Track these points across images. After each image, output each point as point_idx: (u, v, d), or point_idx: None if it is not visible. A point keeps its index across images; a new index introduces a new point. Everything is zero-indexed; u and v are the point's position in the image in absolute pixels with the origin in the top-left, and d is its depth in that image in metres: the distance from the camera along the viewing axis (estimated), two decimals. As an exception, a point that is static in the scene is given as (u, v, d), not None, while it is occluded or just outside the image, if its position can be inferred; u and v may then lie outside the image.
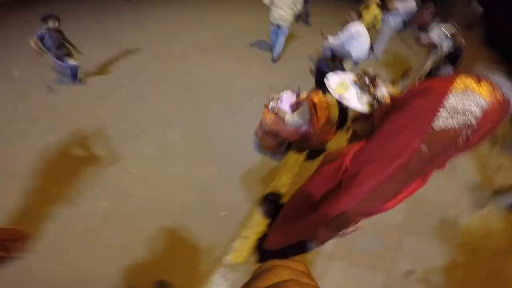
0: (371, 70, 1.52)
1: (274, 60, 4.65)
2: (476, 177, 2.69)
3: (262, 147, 2.68)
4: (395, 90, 1.34)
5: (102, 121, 3.01)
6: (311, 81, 2.14)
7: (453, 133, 0.60)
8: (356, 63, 3.99)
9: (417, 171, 0.68)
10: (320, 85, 1.95)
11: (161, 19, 6.35)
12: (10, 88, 3.50)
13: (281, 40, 4.51)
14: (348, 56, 3.78)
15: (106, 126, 2.92)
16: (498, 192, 2.43)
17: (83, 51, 3.78)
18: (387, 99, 1.18)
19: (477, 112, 0.58)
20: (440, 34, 3.68)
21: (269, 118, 2.37)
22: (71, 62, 3.54)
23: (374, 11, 4.69)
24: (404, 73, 4.57)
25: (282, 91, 2.43)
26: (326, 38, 3.81)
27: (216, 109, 3.29)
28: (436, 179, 2.46)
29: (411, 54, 5.61)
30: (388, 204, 1.05)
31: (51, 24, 3.31)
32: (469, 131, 0.61)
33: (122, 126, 2.96)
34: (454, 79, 0.62)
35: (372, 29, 4.82)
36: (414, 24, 7.90)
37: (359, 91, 1.44)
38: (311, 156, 2.64)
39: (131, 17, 6.26)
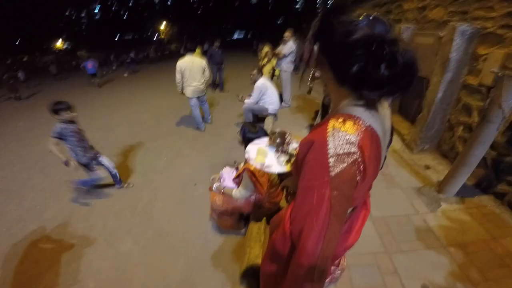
0: (279, 129, 1.60)
1: (208, 122, 4.90)
2: (413, 181, 2.95)
3: (223, 228, 2.51)
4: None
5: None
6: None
7: (349, 173, 0.63)
8: (274, 115, 4.34)
9: (344, 211, 0.69)
10: None
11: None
12: None
13: (206, 106, 4.81)
14: (265, 111, 4.14)
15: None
16: (440, 187, 2.65)
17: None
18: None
19: (353, 148, 0.62)
20: None
21: (218, 199, 2.27)
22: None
23: (270, 62, 5.36)
24: (315, 115, 4.86)
25: (221, 170, 2.42)
26: (243, 101, 4.14)
27: (161, 206, 3.03)
28: (382, 195, 2.68)
29: (318, 92, 6.37)
30: (349, 241, 1.07)
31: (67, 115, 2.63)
32: (359, 167, 0.64)
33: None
34: (325, 125, 0.66)
35: (275, 79, 5.42)
36: (302, 62, 9.21)
37: (275, 153, 1.48)
38: (271, 219, 2.57)
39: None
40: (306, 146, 0.70)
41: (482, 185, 2.72)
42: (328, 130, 0.63)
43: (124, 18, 64.09)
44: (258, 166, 1.46)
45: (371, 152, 0.64)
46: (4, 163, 4.46)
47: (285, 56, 5.23)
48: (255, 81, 4.10)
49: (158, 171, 3.70)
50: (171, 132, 4.94)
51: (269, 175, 2.00)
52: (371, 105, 0.69)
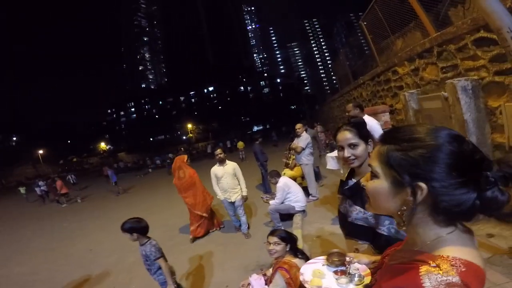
0: (336, 250, 1.54)
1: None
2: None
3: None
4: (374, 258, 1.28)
5: None
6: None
7: None
8: (303, 212, 4.41)
9: None
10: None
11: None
12: None
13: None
14: (292, 209, 4.26)
15: None
16: None
17: None
18: (366, 274, 1.17)
19: None
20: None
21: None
22: None
23: (295, 171, 5.72)
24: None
25: (250, 276, 2.45)
26: (268, 202, 4.35)
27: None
28: None
29: (340, 177, 6.55)
30: None
31: None
32: None
33: None
34: (415, 269, 0.59)
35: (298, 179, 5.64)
36: (318, 149, 9.14)
37: (333, 273, 1.37)
38: None
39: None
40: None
41: None
42: (421, 274, 0.57)
43: (156, 117, 75.43)
44: None
45: None
46: (49, 257, 5.27)
47: (303, 149, 5.36)
48: (275, 183, 4.37)
49: (192, 273, 3.79)
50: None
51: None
52: (461, 229, 0.61)
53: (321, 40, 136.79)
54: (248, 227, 4.68)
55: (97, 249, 5.32)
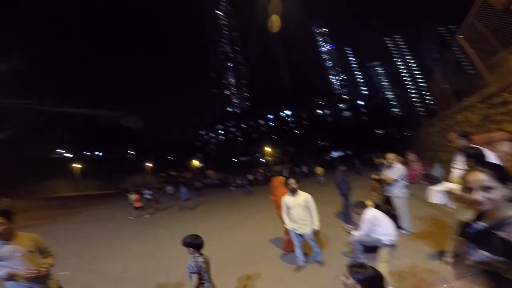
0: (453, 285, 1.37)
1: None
2: None
3: None
4: None
5: None
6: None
7: None
8: (391, 246, 3.96)
9: None
10: None
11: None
12: None
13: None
14: (378, 242, 3.89)
15: None
16: None
17: None
18: None
19: None
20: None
21: None
22: None
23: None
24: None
25: None
26: (350, 233, 4.11)
27: None
28: None
29: (439, 211, 5.63)
30: None
31: None
32: None
33: None
34: None
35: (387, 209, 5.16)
36: (410, 181, 7.99)
37: None
38: None
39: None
40: None
41: None
42: None
43: (240, 139, 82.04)
44: None
45: None
46: (139, 259, 6.03)
47: (395, 181, 5.09)
48: (360, 214, 4.05)
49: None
50: (276, 256, 5.19)
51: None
52: None
53: (408, 57, 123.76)
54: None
55: (182, 257, 5.50)
